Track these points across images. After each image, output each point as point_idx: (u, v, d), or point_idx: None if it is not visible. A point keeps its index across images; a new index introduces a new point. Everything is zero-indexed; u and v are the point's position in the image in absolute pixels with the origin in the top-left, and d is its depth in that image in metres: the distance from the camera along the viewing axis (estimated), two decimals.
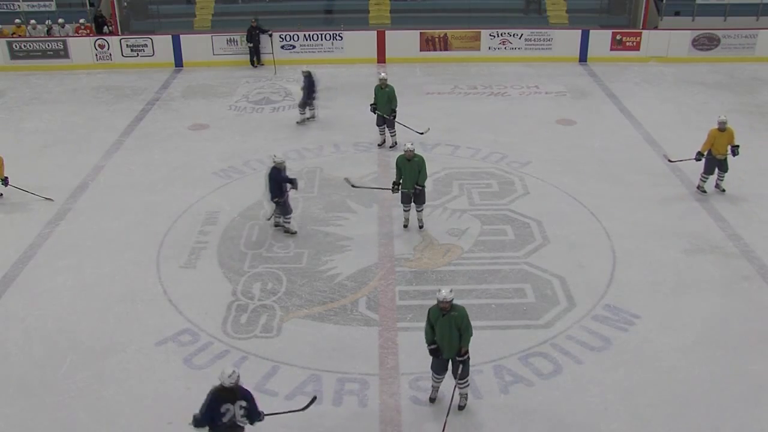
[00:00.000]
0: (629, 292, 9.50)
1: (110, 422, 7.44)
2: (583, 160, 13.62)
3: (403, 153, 10.72)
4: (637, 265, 10.14)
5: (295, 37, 20.29)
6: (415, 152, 10.67)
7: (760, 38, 20.07)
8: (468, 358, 7.28)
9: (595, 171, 13.13)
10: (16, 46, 20.09)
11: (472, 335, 7.25)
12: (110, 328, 8.92)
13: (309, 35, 20.32)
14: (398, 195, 10.96)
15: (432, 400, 7.67)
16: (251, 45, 19.82)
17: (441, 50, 20.40)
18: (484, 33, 20.27)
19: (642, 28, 20.96)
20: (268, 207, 11.14)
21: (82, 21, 20.73)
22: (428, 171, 10.89)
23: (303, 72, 15.30)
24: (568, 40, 20.29)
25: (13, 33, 20.49)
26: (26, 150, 14.46)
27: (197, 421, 6.29)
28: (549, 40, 20.25)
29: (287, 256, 10.47)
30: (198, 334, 8.78)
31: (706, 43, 20.10)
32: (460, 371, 7.30)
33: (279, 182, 10.63)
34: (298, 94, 16.01)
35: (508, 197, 12.12)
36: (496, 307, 9.24)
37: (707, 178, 12.14)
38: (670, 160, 12.94)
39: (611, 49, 20.19)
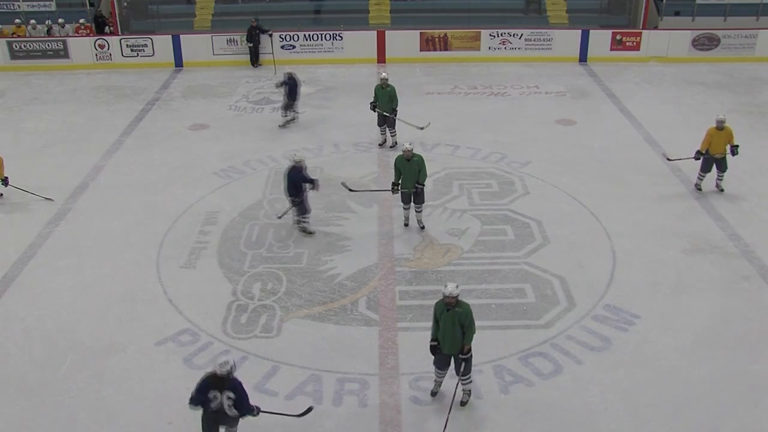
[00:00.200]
0: (629, 292, 9.50)
1: (110, 422, 7.44)
2: (583, 160, 13.61)
3: (401, 153, 10.73)
4: (637, 265, 10.14)
5: (295, 37, 20.29)
6: (414, 152, 10.68)
7: (760, 38, 20.07)
8: (471, 355, 7.30)
9: (595, 171, 13.13)
10: (16, 46, 20.09)
11: (475, 332, 7.27)
12: (110, 328, 8.92)
13: (309, 35, 20.32)
14: (398, 195, 10.97)
15: (433, 393, 7.69)
16: (251, 45, 19.82)
17: (441, 50, 20.39)
18: (484, 33, 20.26)
19: (642, 28, 20.93)
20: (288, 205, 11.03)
21: (82, 21, 20.72)
22: (428, 171, 10.88)
23: (285, 74, 15.19)
24: (568, 40, 20.27)
25: (13, 33, 20.48)
26: (26, 150, 14.46)
27: (190, 399, 6.58)
28: (549, 40, 20.24)
29: (287, 256, 10.47)
30: (198, 334, 8.78)
31: (706, 43, 20.09)
32: (462, 368, 7.33)
33: (297, 182, 10.57)
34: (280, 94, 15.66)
35: (508, 197, 12.12)
36: (496, 307, 9.24)
37: (704, 177, 12.15)
38: (669, 159, 12.95)
39: (611, 49, 20.18)
